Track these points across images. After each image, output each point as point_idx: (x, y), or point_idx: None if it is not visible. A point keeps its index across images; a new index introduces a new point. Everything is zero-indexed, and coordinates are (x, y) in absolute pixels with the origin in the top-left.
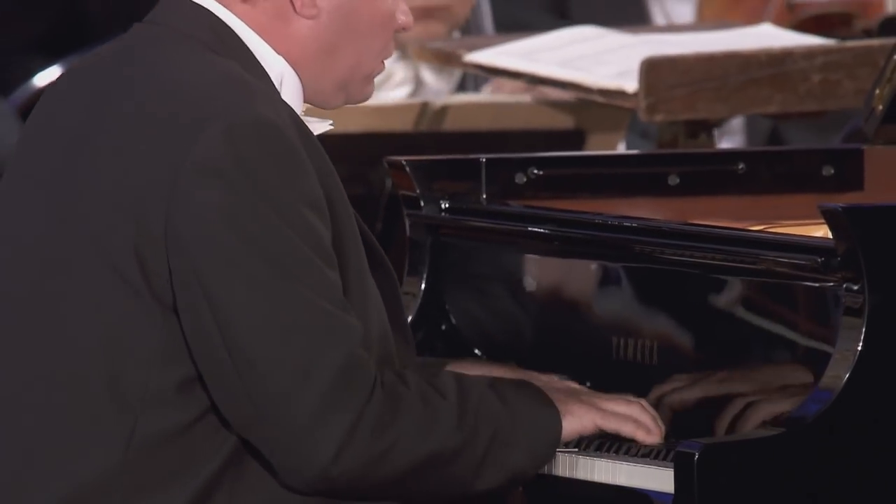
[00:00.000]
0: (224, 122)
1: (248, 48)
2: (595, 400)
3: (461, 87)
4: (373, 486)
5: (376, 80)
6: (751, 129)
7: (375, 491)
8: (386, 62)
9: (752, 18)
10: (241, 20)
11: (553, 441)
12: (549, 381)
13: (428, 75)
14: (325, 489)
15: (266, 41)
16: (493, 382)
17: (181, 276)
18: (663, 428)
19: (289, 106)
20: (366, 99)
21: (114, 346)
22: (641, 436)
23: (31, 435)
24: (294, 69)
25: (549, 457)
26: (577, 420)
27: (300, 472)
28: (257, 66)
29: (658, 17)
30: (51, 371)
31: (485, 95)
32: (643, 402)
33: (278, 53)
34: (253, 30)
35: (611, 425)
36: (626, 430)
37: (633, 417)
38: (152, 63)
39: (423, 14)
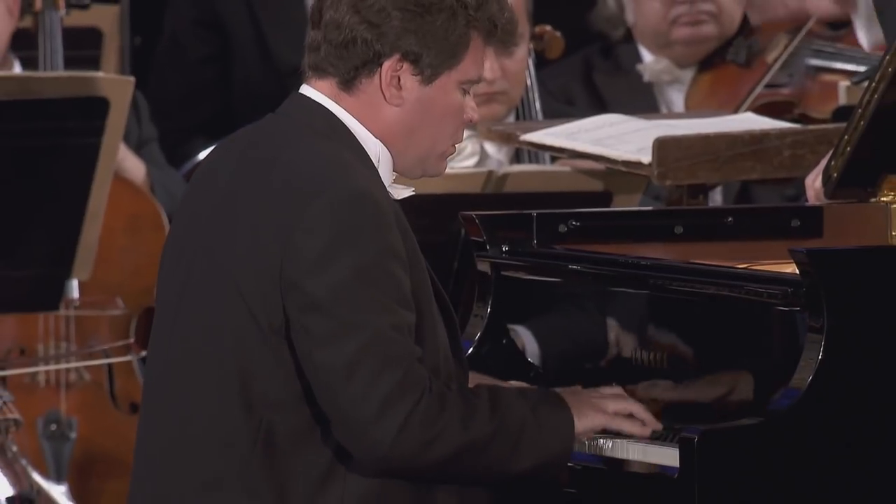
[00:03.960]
0: (327, 195)
1: (352, 133)
2: (600, 402)
3: (517, 157)
4: (425, 467)
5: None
6: (727, 189)
7: (428, 471)
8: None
9: (725, 104)
10: (347, 111)
11: (569, 434)
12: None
13: (490, 149)
14: (388, 470)
15: (365, 126)
16: (522, 390)
17: (288, 312)
18: (650, 416)
19: (380, 181)
20: (440, 174)
21: (244, 366)
22: (639, 431)
23: (183, 431)
24: (386, 147)
25: (570, 448)
26: (588, 419)
27: (367, 456)
28: (360, 148)
29: (660, 100)
30: (201, 382)
31: (535, 165)
32: (628, 398)
33: (375, 137)
34: (355, 118)
35: (614, 425)
36: (626, 427)
37: (633, 414)
38: (278, 150)
39: (486, 99)
